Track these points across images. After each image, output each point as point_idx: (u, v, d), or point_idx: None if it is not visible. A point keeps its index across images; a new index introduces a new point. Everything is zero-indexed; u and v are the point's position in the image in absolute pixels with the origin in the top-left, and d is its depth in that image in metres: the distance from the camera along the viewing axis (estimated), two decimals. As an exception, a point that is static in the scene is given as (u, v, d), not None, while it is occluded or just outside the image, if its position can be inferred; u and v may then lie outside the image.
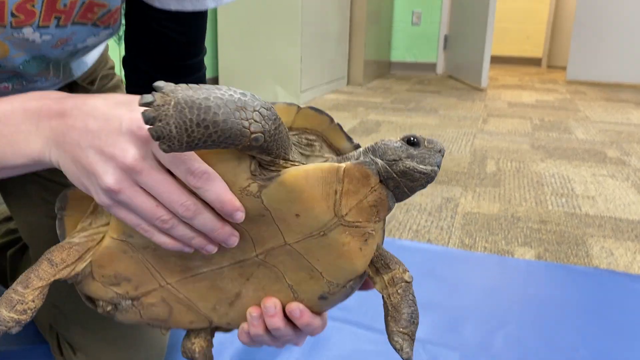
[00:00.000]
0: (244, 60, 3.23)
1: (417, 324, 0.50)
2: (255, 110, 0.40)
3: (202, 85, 0.40)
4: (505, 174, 1.89)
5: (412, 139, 0.45)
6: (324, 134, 0.50)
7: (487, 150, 2.22)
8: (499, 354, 0.89)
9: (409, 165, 0.44)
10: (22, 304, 0.47)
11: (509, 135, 2.50)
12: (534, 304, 1.04)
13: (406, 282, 0.51)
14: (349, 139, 0.50)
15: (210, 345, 0.56)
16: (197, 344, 0.55)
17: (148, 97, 0.38)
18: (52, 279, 0.49)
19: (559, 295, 1.07)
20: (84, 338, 0.76)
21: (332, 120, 0.48)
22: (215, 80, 3.35)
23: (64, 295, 0.76)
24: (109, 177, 0.42)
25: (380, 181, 0.45)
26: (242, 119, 0.39)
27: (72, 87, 0.80)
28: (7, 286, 0.96)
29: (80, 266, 0.49)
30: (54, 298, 0.79)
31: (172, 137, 0.38)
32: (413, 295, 0.51)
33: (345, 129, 2.50)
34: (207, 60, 3.34)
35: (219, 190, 0.42)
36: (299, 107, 0.46)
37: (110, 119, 0.43)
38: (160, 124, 0.38)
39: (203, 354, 0.55)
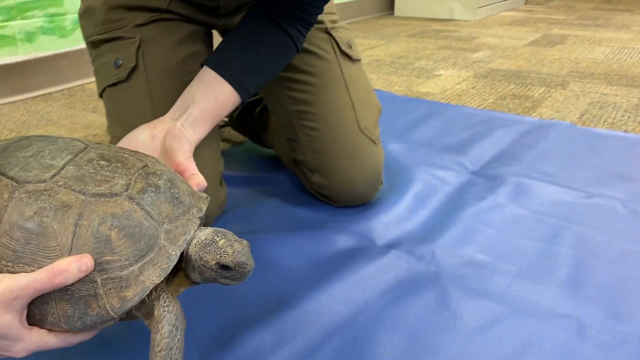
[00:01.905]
0: (422, -24, 3.24)
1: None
2: None
3: None
4: None
5: (224, 265, 0.52)
6: None
7: (690, 61, 2.06)
8: None
9: (222, 282, 0.54)
10: None
11: None
12: None
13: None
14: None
15: None
16: None
17: None
18: None
19: None
20: (317, 160, 0.94)
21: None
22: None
23: (293, 129, 0.95)
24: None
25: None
26: None
27: None
28: (262, 143, 1.17)
29: None
30: (287, 133, 0.98)
31: None
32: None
33: (526, 42, 2.45)
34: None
35: None
36: None
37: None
38: None
39: None
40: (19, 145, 0.56)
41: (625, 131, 1.34)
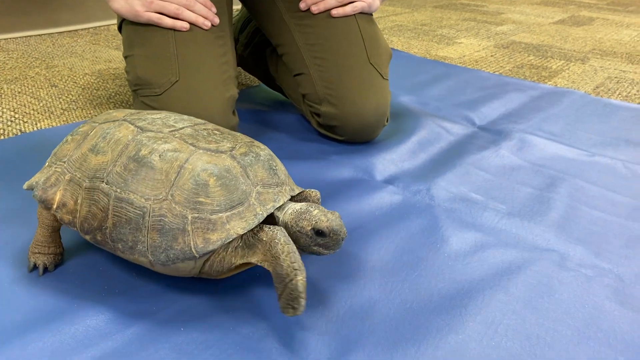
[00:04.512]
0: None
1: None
2: None
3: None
4: None
5: (319, 231, 0.55)
6: None
7: None
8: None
9: (315, 250, 0.58)
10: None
11: None
12: None
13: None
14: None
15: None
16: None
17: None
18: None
19: None
20: (327, 89, 0.96)
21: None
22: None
23: (303, 63, 0.97)
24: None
25: None
26: None
27: None
28: (274, 80, 1.20)
29: None
30: (296, 69, 1.00)
31: None
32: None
33: (553, 20, 2.43)
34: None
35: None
36: None
37: None
38: None
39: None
40: (151, 112, 0.65)
41: (638, 104, 1.34)
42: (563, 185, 0.89)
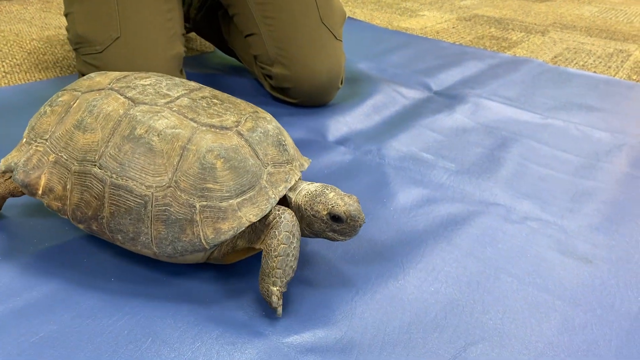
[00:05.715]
0: None
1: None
2: None
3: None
4: (691, 42, 1.77)
5: (336, 216, 0.50)
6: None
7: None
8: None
9: (330, 236, 0.52)
10: None
11: None
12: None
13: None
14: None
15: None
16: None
17: None
18: None
19: None
20: (279, 49, 0.94)
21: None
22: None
23: (254, 22, 0.95)
24: None
25: None
26: None
27: None
28: (227, 43, 1.17)
29: None
30: (248, 29, 0.98)
31: None
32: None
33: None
34: None
35: None
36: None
37: None
38: None
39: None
40: (139, 76, 0.58)
41: (594, 72, 1.35)
42: (515, 146, 0.89)
